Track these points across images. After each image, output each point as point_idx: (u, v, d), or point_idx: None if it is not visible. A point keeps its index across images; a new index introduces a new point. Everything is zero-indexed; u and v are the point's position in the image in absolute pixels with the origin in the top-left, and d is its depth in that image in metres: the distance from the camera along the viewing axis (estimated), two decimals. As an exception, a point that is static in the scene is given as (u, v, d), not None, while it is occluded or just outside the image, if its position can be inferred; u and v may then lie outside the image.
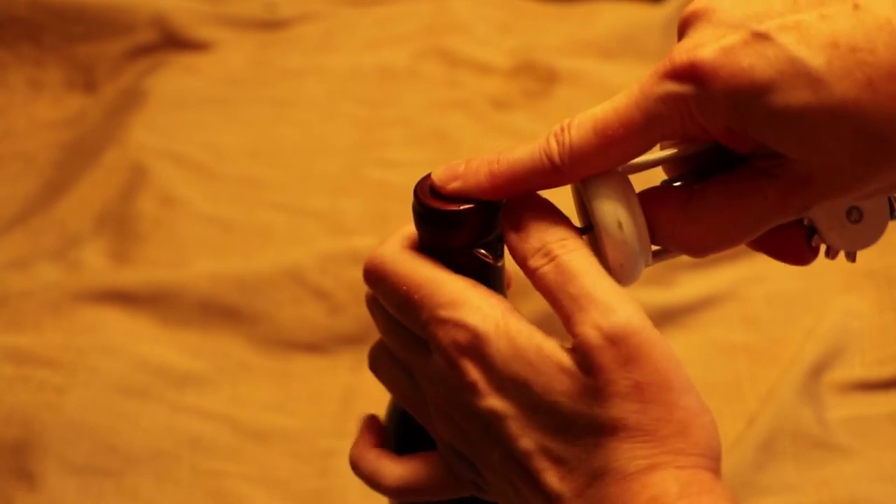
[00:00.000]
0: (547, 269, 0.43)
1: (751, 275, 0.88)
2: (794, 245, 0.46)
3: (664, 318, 0.85)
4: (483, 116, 1.05)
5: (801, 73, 0.38)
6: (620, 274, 0.44)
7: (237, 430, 0.80)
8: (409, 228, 0.48)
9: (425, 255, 0.47)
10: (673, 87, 0.40)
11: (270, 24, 1.21)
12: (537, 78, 1.09)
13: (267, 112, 1.09)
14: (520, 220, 0.45)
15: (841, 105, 0.38)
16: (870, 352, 0.81)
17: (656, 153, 0.45)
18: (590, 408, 0.41)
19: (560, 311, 0.43)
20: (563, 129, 0.43)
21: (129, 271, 0.91)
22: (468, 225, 0.45)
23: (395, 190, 0.97)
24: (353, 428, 0.79)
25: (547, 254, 0.43)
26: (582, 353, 0.42)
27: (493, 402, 0.43)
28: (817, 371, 0.79)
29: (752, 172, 0.41)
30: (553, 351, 0.42)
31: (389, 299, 0.47)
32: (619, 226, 0.43)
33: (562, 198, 0.46)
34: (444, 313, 0.44)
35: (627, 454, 0.41)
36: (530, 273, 0.44)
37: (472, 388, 0.44)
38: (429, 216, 0.45)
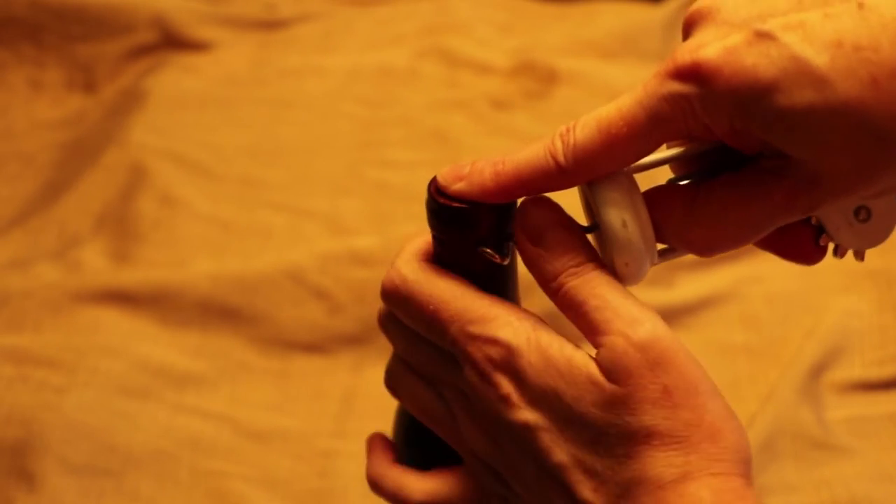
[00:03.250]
0: (569, 287, 0.44)
1: (751, 275, 0.88)
2: (802, 244, 0.46)
3: (664, 318, 0.85)
4: (483, 116, 1.05)
5: (804, 73, 0.38)
6: (626, 273, 0.44)
7: (237, 430, 0.80)
8: (418, 242, 0.48)
9: (443, 267, 0.47)
10: (676, 86, 0.40)
11: (270, 24, 1.21)
12: (537, 78, 1.09)
13: (267, 112, 1.09)
14: (540, 237, 0.45)
15: (845, 104, 0.37)
16: (870, 352, 0.81)
17: (662, 152, 0.44)
18: (620, 416, 0.42)
19: (585, 325, 0.43)
20: (568, 130, 0.42)
21: (129, 271, 0.91)
22: (482, 221, 0.45)
23: (395, 190, 0.97)
24: (353, 428, 0.80)
25: (571, 275, 0.44)
26: (610, 361, 0.42)
27: (527, 414, 0.43)
28: (817, 371, 0.79)
29: (758, 172, 0.41)
30: (583, 362, 0.43)
31: (415, 318, 0.47)
32: (624, 225, 0.43)
33: (569, 199, 0.46)
34: (475, 329, 0.45)
35: (661, 463, 0.41)
36: (552, 292, 0.44)
37: (505, 402, 0.44)
38: (441, 213, 0.45)
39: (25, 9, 1.18)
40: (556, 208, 0.45)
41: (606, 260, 0.44)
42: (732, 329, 0.84)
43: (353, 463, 0.77)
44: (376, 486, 0.52)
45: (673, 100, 0.40)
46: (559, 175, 0.43)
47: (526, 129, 1.03)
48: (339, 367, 0.85)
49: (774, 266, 0.89)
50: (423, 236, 0.48)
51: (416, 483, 0.50)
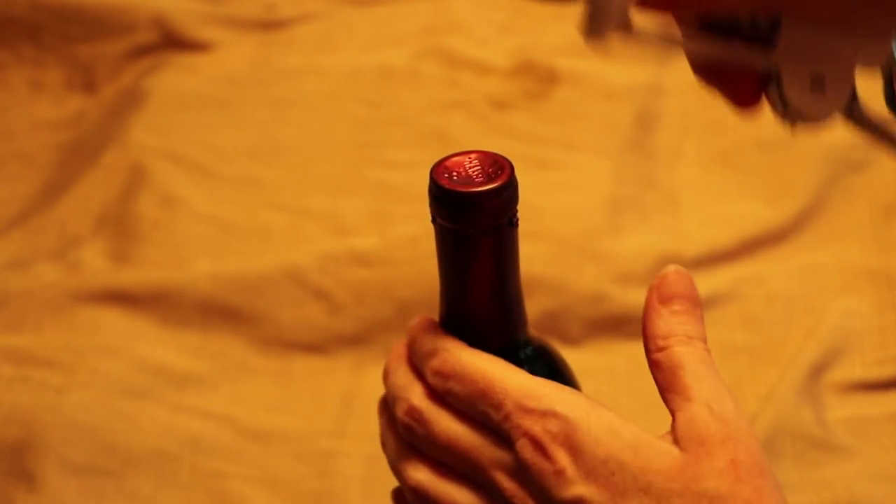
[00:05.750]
0: (676, 350, 0.45)
1: (751, 275, 0.88)
2: (745, 84, 0.45)
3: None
4: (483, 116, 1.05)
5: None
6: (586, 21, 0.43)
7: (237, 430, 0.80)
8: (424, 326, 0.49)
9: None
10: None
11: (270, 24, 1.21)
12: (537, 78, 1.08)
13: (267, 112, 1.09)
14: (670, 299, 0.47)
15: None
16: (870, 352, 0.81)
17: None
18: (686, 485, 0.42)
19: (675, 386, 0.44)
20: None
21: (129, 271, 0.91)
22: (486, 205, 0.46)
23: (395, 190, 0.97)
24: (353, 428, 0.80)
25: (682, 342, 0.46)
26: (687, 427, 0.43)
27: (581, 489, 0.43)
28: (817, 371, 0.79)
29: None
30: (650, 435, 0.44)
31: (466, 394, 0.47)
32: None
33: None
34: (531, 403, 0.45)
35: None
36: (657, 347, 0.46)
37: (560, 476, 0.43)
38: (444, 198, 0.46)
39: (25, 9, 1.18)
40: (692, 284, 0.48)
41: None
42: (733, 329, 0.84)
43: (353, 463, 0.77)
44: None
45: None
46: None
47: (526, 129, 1.03)
48: (339, 368, 0.85)
49: (775, 266, 0.89)
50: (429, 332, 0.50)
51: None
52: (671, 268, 0.48)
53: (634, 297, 0.85)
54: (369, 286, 0.87)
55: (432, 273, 0.51)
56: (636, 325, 0.85)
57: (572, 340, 0.84)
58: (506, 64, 1.10)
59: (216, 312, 0.87)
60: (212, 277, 0.88)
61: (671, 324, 0.46)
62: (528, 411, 0.44)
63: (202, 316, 0.87)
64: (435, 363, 0.48)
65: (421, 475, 0.49)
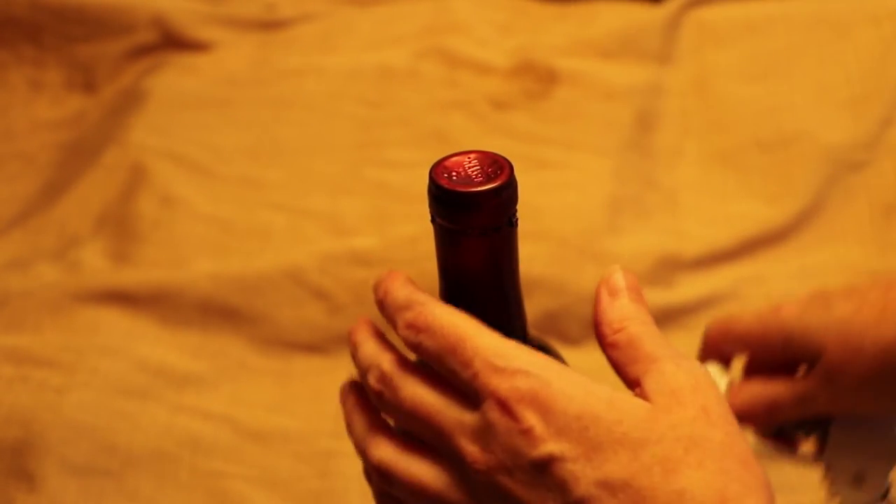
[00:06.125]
0: (633, 331, 0.47)
1: (751, 275, 0.88)
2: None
3: (665, 318, 0.85)
4: (483, 116, 1.05)
5: None
6: None
7: (237, 430, 0.80)
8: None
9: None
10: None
11: (270, 24, 1.21)
12: (537, 78, 1.08)
13: (267, 112, 1.09)
14: (618, 292, 0.48)
15: None
16: (870, 352, 0.81)
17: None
18: (662, 433, 0.42)
19: (639, 355, 0.46)
20: None
21: (129, 271, 0.91)
22: (485, 204, 0.45)
23: (395, 190, 0.97)
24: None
25: (640, 322, 0.47)
26: (657, 382, 0.44)
27: (552, 446, 0.42)
28: (817, 371, 0.79)
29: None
30: (621, 392, 0.44)
31: (436, 349, 0.46)
32: None
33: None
34: (501, 362, 0.44)
35: (699, 481, 0.41)
36: (613, 331, 0.47)
37: (528, 435, 0.43)
38: (444, 197, 0.46)
39: (25, 9, 1.18)
40: (637, 280, 0.49)
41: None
42: (732, 329, 0.84)
43: (353, 463, 0.77)
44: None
45: None
46: None
47: (526, 129, 1.03)
48: (339, 368, 0.85)
49: (775, 266, 0.89)
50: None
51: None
52: (616, 267, 0.49)
53: (634, 297, 0.85)
54: (369, 286, 0.87)
55: (432, 273, 0.51)
56: (636, 325, 0.85)
57: (572, 340, 0.84)
58: (506, 64, 1.10)
59: (216, 312, 0.87)
60: (212, 277, 0.88)
61: (624, 310, 0.47)
62: (497, 370, 0.44)
63: (202, 316, 0.87)
64: (408, 315, 0.48)
65: (383, 452, 0.49)
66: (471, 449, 0.44)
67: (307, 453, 0.79)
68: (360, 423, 0.51)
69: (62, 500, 0.74)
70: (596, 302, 0.48)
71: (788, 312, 0.59)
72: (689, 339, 0.84)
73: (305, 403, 0.82)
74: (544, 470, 0.42)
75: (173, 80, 1.13)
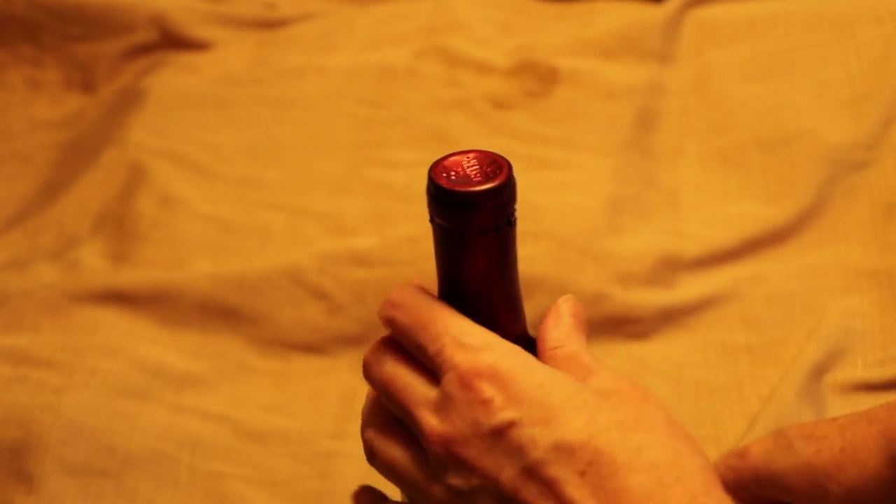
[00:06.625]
0: (561, 351, 0.50)
1: (751, 275, 0.88)
2: None
3: (665, 318, 0.85)
4: (483, 116, 1.05)
5: None
6: None
7: (237, 431, 0.80)
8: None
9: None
10: None
11: (270, 24, 1.21)
12: (537, 78, 1.08)
13: (267, 112, 1.09)
14: (561, 317, 0.51)
15: None
16: (871, 353, 0.80)
17: None
18: (614, 404, 0.45)
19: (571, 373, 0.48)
20: None
21: (128, 271, 0.91)
22: (484, 204, 0.46)
23: (395, 190, 0.97)
24: (353, 429, 0.79)
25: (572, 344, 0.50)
26: (598, 380, 0.47)
27: (512, 413, 0.44)
28: (819, 372, 0.78)
29: None
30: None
31: (404, 324, 0.48)
32: None
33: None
34: (468, 340, 0.46)
35: (659, 448, 0.44)
36: (545, 353, 0.51)
37: (487, 405, 0.44)
38: (442, 197, 0.46)
39: (24, 8, 1.18)
40: (582, 310, 0.52)
41: None
42: (733, 329, 0.84)
43: (353, 464, 0.77)
44: None
45: None
46: None
47: (526, 128, 1.03)
48: (339, 368, 0.85)
49: (776, 266, 0.89)
50: None
51: None
52: (569, 296, 0.52)
53: (635, 298, 0.85)
54: (369, 286, 0.87)
55: (432, 273, 0.51)
56: (637, 326, 0.85)
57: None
58: (506, 63, 1.10)
59: (215, 312, 0.87)
60: (211, 277, 0.88)
61: (564, 332, 0.50)
62: (463, 346, 0.46)
63: (201, 316, 0.87)
64: (391, 295, 0.50)
65: (369, 433, 0.51)
66: (429, 420, 0.46)
67: (307, 454, 0.79)
68: (364, 405, 0.53)
69: (61, 501, 0.74)
70: (542, 323, 0.51)
71: (755, 456, 0.59)
72: (689, 338, 0.84)
73: (305, 404, 0.82)
74: (502, 436, 0.44)
75: (172, 79, 1.12)
